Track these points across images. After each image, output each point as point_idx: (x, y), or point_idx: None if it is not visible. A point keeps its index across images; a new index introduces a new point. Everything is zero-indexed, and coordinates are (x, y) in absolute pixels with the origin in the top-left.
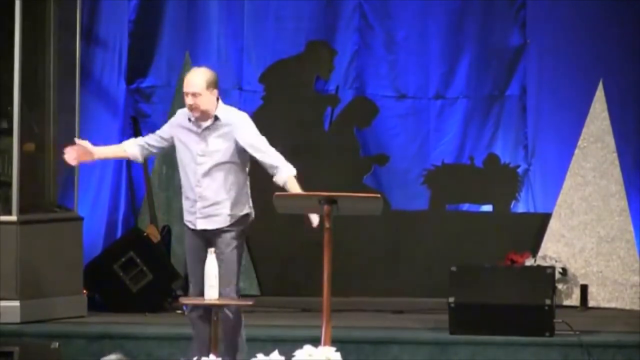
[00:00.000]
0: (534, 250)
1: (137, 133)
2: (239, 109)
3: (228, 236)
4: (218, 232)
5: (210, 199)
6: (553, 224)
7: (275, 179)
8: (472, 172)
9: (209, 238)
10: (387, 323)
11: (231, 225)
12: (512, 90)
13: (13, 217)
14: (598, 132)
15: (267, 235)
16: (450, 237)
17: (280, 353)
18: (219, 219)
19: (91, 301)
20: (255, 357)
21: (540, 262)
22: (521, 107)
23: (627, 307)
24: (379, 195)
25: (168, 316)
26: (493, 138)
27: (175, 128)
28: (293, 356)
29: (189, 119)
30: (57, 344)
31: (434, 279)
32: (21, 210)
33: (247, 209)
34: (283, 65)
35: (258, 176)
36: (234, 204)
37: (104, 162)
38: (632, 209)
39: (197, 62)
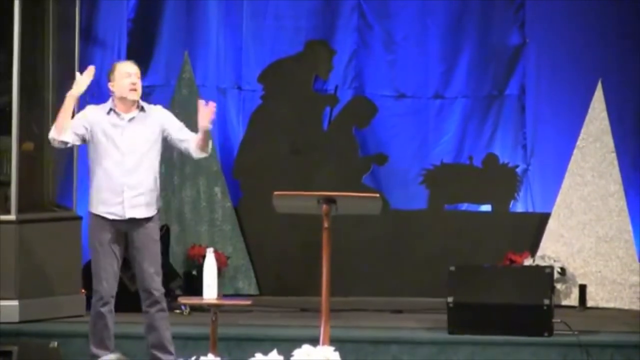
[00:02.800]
0: (533, 250)
1: None
2: (238, 108)
3: (151, 227)
4: (141, 222)
5: (138, 189)
6: (552, 224)
7: (192, 147)
8: (471, 171)
9: (126, 231)
10: (386, 323)
11: (154, 215)
12: (511, 90)
13: (12, 217)
14: (597, 132)
15: (266, 235)
16: (449, 237)
17: (279, 353)
18: (146, 208)
19: (90, 300)
20: (254, 356)
21: (539, 261)
22: (520, 106)
23: (626, 307)
24: (377, 195)
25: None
26: (492, 138)
27: (93, 125)
28: (292, 356)
29: (110, 112)
30: (56, 343)
31: (432, 279)
32: (20, 210)
33: (160, 198)
34: (282, 65)
35: (257, 177)
36: (156, 193)
37: None
38: (631, 209)
39: (196, 62)
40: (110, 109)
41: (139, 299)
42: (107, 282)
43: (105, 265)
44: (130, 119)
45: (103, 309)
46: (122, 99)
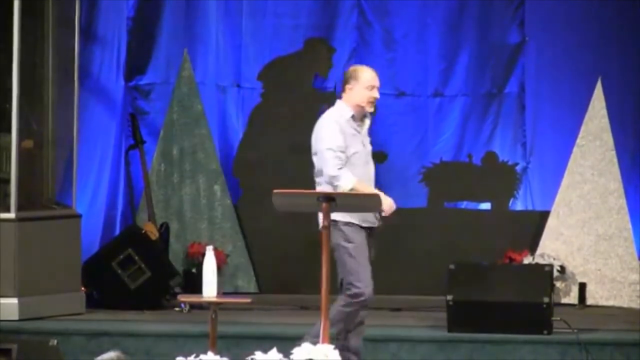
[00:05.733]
0: (532, 248)
1: (135, 130)
2: (237, 106)
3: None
4: (377, 229)
5: None
6: (551, 222)
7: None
8: (470, 169)
9: (369, 237)
10: (385, 321)
11: None
12: (510, 88)
13: (11, 215)
14: (596, 130)
15: (266, 232)
16: (448, 235)
17: (279, 351)
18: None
19: (89, 298)
20: (254, 354)
21: (538, 260)
22: (520, 104)
23: (626, 305)
24: (377, 193)
25: (166, 313)
26: (491, 136)
27: (345, 128)
28: (291, 354)
29: (351, 118)
30: (56, 341)
31: (432, 277)
32: (19, 208)
33: None
34: (281, 63)
35: (257, 175)
36: None
37: (102, 158)
38: (630, 207)
39: (195, 60)
40: (352, 116)
41: (139, 297)
42: (370, 285)
43: (368, 268)
44: (365, 129)
45: (361, 310)
46: (359, 107)
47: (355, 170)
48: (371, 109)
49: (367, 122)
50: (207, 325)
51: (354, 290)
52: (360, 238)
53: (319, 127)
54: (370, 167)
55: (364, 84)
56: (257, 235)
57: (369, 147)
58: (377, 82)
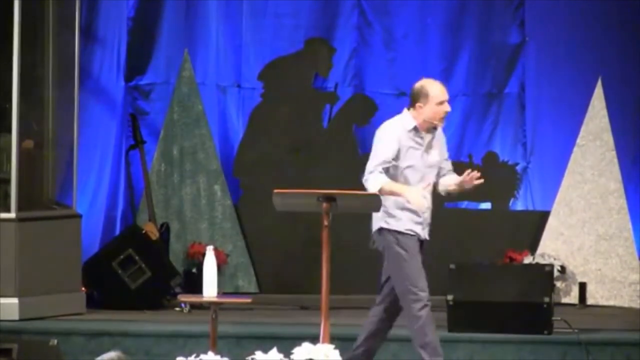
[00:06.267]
0: (533, 248)
1: (135, 130)
2: (238, 106)
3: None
4: (425, 244)
5: (429, 211)
6: (552, 222)
7: (442, 180)
8: (470, 169)
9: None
10: None
11: None
12: (510, 88)
13: (12, 215)
14: (597, 130)
15: (266, 232)
16: (449, 235)
17: (279, 351)
18: (429, 229)
19: (90, 298)
20: (254, 354)
21: (538, 260)
22: (520, 104)
23: (626, 305)
24: (378, 193)
25: (166, 313)
26: (492, 136)
27: (403, 140)
28: (292, 354)
29: (413, 130)
30: (56, 341)
31: (432, 277)
32: (20, 208)
33: None
34: (282, 63)
35: (257, 175)
36: None
37: (103, 159)
38: (631, 207)
39: (196, 60)
40: (415, 127)
41: (139, 297)
42: (426, 288)
43: (422, 275)
44: (429, 141)
45: (430, 312)
46: (428, 123)
47: (409, 176)
48: (442, 124)
49: (430, 135)
50: (207, 325)
51: (411, 297)
52: (412, 243)
53: (381, 132)
54: (426, 178)
55: (435, 100)
56: (257, 235)
57: (431, 160)
58: (446, 95)
